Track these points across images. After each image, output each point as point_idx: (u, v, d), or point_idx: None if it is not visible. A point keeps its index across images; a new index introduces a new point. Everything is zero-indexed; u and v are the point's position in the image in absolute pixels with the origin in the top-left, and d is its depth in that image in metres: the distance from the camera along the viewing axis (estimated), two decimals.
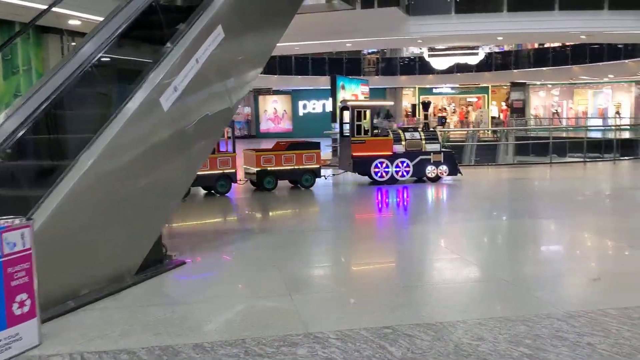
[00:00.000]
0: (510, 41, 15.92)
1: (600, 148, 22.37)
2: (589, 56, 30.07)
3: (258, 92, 37.62)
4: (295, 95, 38.39)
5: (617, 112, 36.86)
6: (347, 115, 11.52)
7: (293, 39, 14.52)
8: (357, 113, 11.14)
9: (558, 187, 11.64)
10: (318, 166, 10.97)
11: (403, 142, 11.42)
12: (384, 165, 11.24)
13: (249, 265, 5.55)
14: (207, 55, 5.14)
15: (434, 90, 39.83)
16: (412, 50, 35.27)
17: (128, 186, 4.66)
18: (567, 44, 31.81)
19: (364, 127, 11.22)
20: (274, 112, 38.71)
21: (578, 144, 24.53)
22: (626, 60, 27.89)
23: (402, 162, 11.36)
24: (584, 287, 4.76)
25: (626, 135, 24.21)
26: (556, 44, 32.40)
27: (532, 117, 38.03)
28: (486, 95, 39.55)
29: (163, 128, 4.85)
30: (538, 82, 37.90)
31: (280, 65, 32.14)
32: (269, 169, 10.52)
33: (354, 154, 11.18)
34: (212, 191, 10.18)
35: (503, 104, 38.37)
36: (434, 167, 11.49)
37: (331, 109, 18.25)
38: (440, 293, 4.63)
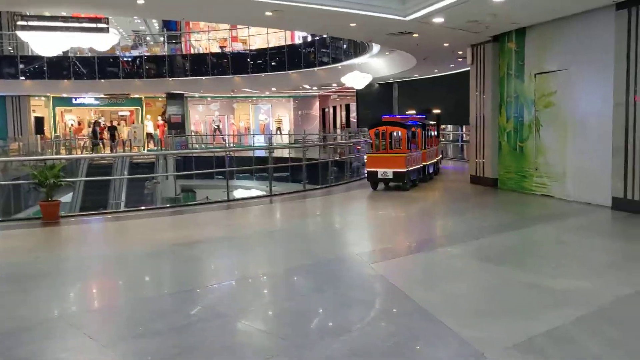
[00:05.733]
0: (157, 11, 9.88)
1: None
2: (250, 66, 27.01)
3: None
4: None
5: (278, 128, 35.36)
6: None
7: None
8: None
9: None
10: None
11: None
12: None
13: None
14: None
15: (75, 101, 32.08)
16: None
17: None
18: (227, 51, 28.31)
19: None
20: None
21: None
22: (290, 72, 25.53)
23: None
24: None
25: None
26: (215, 51, 28.58)
27: (192, 133, 33.71)
28: (140, 108, 33.62)
29: None
30: (197, 94, 33.78)
31: None
32: None
33: None
34: None
35: (160, 118, 33.02)
36: None
37: None
38: None
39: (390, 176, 11.53)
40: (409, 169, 11.75)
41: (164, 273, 5.95)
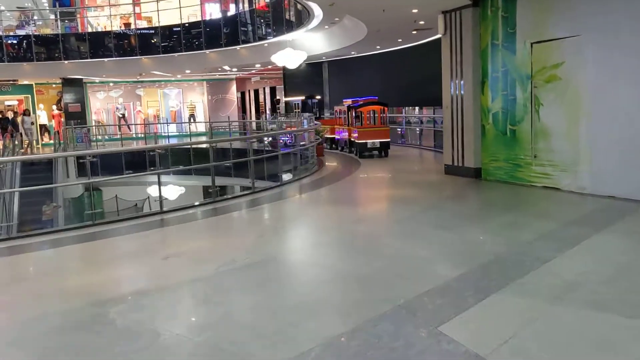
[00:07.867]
0: None
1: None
2: (161, 46, 23.74)
3: None
4: None
5: (192, 115, 32.19)
6: None
7: None
8: None
9: None
10: None
11: None
12: None
13: None
14: None
15: None
16: None
17: None
18: (133, 27, 24.79)
19: None
20: None
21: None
22: (207, 51, 22.61)
23: None
24: None
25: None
26: (118, 28, 24.97)
27: (95, 123, 29.87)
28: (31, 96, 29.25)
29: None
30: (98, 79, 29.93)
31: None
32: None
33: None
34: None
35: (55, 107, 28.89)
36: None
37: None
38: None
39: (378, 145, 14.51)
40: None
41: None
